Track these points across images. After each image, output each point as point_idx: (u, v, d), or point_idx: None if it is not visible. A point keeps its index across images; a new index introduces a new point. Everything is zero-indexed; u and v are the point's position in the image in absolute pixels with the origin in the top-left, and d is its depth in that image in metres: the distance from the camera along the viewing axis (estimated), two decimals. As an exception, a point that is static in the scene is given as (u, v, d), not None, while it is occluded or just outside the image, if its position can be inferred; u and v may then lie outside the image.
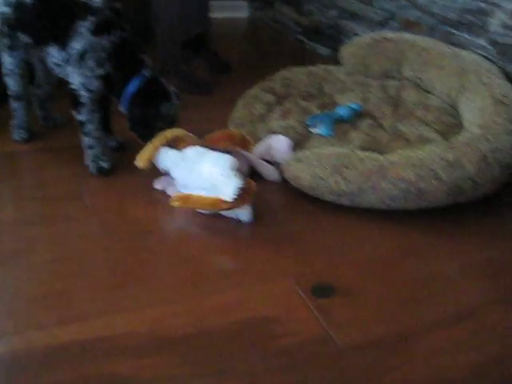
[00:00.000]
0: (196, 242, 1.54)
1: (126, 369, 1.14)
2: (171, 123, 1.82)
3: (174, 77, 2.67)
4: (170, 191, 1.73)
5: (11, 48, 1.90)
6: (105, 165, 1.84)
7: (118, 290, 1.35)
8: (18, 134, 2.06)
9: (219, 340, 1.21)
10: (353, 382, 1.13)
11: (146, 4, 2.90)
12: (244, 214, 1.60)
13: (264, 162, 1.84)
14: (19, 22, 1.84)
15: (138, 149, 1.73)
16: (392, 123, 2.02)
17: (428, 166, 1.60)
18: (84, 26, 1.73)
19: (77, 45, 1.73)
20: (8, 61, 1.93)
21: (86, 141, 1.82)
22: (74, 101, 1.79)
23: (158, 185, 1.79)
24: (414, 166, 1.61)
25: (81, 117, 1.79)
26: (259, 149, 1.86)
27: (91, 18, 1.74)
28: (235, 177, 1.54)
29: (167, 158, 1.69)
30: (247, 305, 1.32)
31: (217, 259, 1.48)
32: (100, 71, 1.74)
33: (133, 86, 1.76)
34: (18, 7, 1.82)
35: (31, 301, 1.31)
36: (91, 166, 1.84)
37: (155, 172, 1.75)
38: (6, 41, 1.89)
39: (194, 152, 1.68)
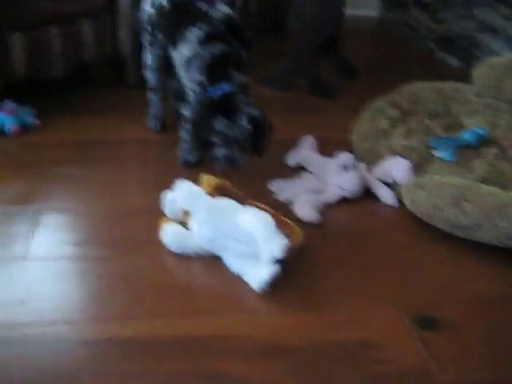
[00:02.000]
0: (309, 259, 1.61)
1: (237, 369, 1.24)
2: (242, 147, 1.80)
3: (302, 78, 2.74)
4: (282, 196, 1.82)
5: (151, 45, 2.09)
6: (190, 158, 1.99)
7: (241, 292, 1.46)
8: (151, 123, 2.24)
9: (323, 357, 1.29)
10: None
11: (283, 2, 2.98)
12: (261, 275, 1.45)
13: (382, 184, 1.87)
14: (159, 22, 2.01)
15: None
16: (519, 155, 1.98)
17: (552, 211, 1.57)
18: (194, 34, 1.85)
19: (186, 51, 1.87)
20: (148, 56, 2.10)
21: (183, 134, 1.97)
22: (182, 96, 1.96)
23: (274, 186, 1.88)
24: (537, 208, 1.58)
25: (185, 112, 1.94)
26: (379, 170, 1.90)
27: (202, 27, 1.85)
28: (280, 235, 1.47)
29: (197, 200, 1.58)
30: (353, 326, 1.38)
31: (329, 277, 1.55)
32: (200, 78, 1.85)
33: (213, 92, 1.82)
34: (159, 9, 1.99)
35: (158, 290, 1.46)
36: (180, 157, 2.00)
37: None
38: (148, 38, 2.07)
39: (229, 203, 1.58)
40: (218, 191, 1.63)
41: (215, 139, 1.78)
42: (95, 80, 2.66)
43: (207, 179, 1.65)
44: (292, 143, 2.12)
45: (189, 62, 1.87)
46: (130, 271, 1.52)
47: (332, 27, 2.84)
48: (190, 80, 1.89)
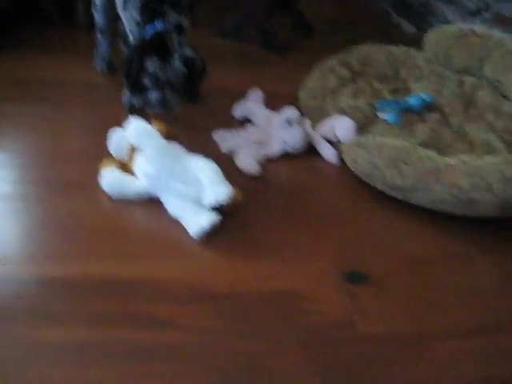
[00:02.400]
0: (247, 211, 1.61)
1: (167, 313, 1.26)
2: (175, 90, 1.78)
3: (254, 30, 2.70)
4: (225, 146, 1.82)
5: None
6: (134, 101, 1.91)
7: (177, 237, 1.46)
8: (99, 65, 2.19)
9: (253, 304, 1.31)
10: (364, 367, 1.21)
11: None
12: (201, 222, 1.46)
13: (325, 142, 1.89)
14: None
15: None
16: (460, 122, 2.02)
17: (484, 177, 1.62)
18: None
19: None
20: None
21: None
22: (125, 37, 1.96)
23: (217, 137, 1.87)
24: (470, 174, 1.63)
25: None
26: (323, 127, 1.91)
27: None
28: (227, 183, 1.51)
29: (149, 137, 1.59)
30: (284, 277, 1.41)
31: (266, 229, 1.56)
32: (136, 17, 1.82)
33: (146, 32, 1.78)
34: None
35: (92, 232, 1.44)
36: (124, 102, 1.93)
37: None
38: None
39: (179, 147, 1.62)
40: (168, 136, 1.62)
41: (147, 81, 1.73)
42: (44, 17, 2.55)
43: (158, 124, 1.65)
44: (240, 95, 2.10)
45: (126, 0, 1.82)
46: (64, 212, 1.50)
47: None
48: (127, 20, 1.84)
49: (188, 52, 1.75)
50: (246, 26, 2.70)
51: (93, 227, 1.46)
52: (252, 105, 2.00)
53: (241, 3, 2.72)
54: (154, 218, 1.52)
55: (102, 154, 1.65)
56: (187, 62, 1.74)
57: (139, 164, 1.54)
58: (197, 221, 1.45)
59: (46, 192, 1.56)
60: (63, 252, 1.37)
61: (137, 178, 1.56)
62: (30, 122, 1.86)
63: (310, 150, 1.89)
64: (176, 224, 1.49)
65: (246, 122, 2.00)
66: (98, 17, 2.10)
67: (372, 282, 1.43)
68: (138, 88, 1.76)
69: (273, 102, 2.06)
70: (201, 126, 1.94)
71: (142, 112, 1.80)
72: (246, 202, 1.59)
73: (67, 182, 1.60)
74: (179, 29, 1.79)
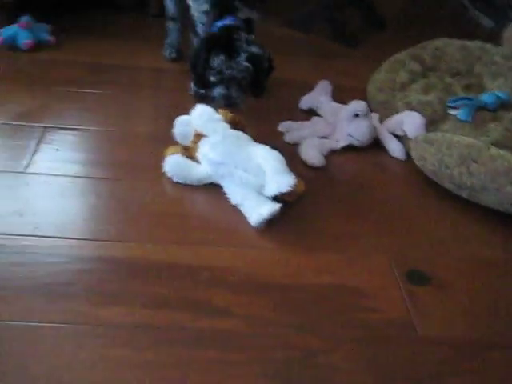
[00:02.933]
0: (309, 202, 1.60)
1: (221, 300, 1.25)
2: (240, 86, 1.77)
3: (324, 21, 2.67)
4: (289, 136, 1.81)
5: None
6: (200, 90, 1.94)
7: (236, 225, 1.47)
8: (166, 51, 2.21)
9: (309, 298, 1.30)
10: (419, 370, 1.18)
11: None
12: (261, 211, 1.45)
13: (392, 137, 1.84)
14: None
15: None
16: (537, 123, 1.93)
17: (561, 180, 1.54)
18: None
19: None
20: None
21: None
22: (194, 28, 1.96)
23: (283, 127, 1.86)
24: (546, 177, 1.55)
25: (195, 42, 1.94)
26: (391, 122, 1.86)
27: None
28: (290, 173, 1.48)
29: (214, 123, 1.59)
30: (343, 271, 1.38)
31: (327, 221, 1.54)
32: (206, 8, 1.84)
33: (214, 26, 1.79)
34: None
35: (153, 215, 1.46)
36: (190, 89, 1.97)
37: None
38: None
39: (244, 135, 1.60)
40: (234, 124, 1.62)
41: (212, 77, 1.74)
42: (116, 4, 2.60)
43: (224, 112, 1.65)
44: (308, 87, 2.08)
45: None
46: (128, 194, 1.53)
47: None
48: (197, 11, 1.85)
49: (255, 49, 1.74)
50: (316, 16, 2.67)
51: (155, 211, 1.48)
52: (319, 97, 1.97)
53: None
54: (216, 204, 1.53)
55: (168, 138, 1.67)
56: (253, 59, 1.73)
57: (203, 150, 1.55)
58: (257, 209, 1.45)
59: (113, 174, 1.59)
60: (126, 234, 1.39)
61: (200, 163, 1.57)
62: (100, 104, 1.91)
63: (377, 145, 1.85)
64: (237, 211, 1.49)
65: (312, 114, 1.97)
66: (169, 5, 2.12)
67: (434, 283, 1.38)
68: (203, 82, 1.78)
69: (341, 96, 2.02)
70: (267, 116, 1.93)
71: (208, 100, 1.81)
72: (308, 193, 1.58)
73: (133, 166, 1.63)
74: (249, 24, 1.80)
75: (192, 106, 1.70)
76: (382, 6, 3.01)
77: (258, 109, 1.93)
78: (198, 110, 1.60)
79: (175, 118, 1.68)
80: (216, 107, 1.68)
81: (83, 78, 2.04)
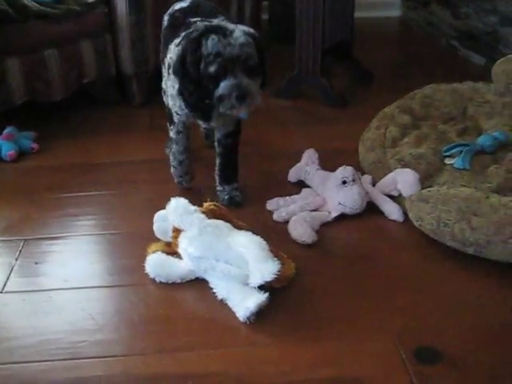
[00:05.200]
0: (301, 284, 1.49)
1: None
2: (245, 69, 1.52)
3: (310, 85, 2.63)
4: (276, 214, 1.72)
5: None
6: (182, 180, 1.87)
7: (223, 322, 1.36)
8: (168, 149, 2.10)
9: (307, 397, 1.17)
10: None
11: (289, 8, 2.88)
12: (248, 304, 1.34)
13: (387, 198, 1.74)
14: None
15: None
16: (540, 160, 1.81)
17: None
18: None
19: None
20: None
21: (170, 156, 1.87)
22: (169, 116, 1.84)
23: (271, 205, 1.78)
24: (555, 222, 1.42)
25: (170, 132, 1.83)
26: (383, 182, 1.77)
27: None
28: (274, 259, 1.37)
29: (190, 216, 1.49)
30: (344, 360, 1.25)
31: (322, 304, 1.42)
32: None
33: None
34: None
35: (135, 324, 1.37)
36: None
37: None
38: None
39: (223, 223, 1.50)
40: (212, 214, 1.54)
41: (211, 67, 1.50)
42: (98, 100, 2.61)
43: (204, 204, 1.57)
44: (295, 156, 2.01)
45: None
46: (110, 302, 1.45)
47: (341, 31, 2.71)
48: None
49: (247, 28, 1.57)
50: (302, 82, 2.63)
51: (137, 318, 1.38)
52: (306, 167, 1.89)
53: (294, 61, 2.65)
54: (202, 301, 1.43)
55: (151, 236, 1.60)
56: (251, 36, 1.54)
57: (182, 245, 1.47)
58: (244, 303, 1.35)
59: (94, 283, 1.51)
60: (105, 348, 1.30)
61: (182, 259, 1.49)
62: (85, 208, 1.85)
63: (372, 209, 1.75)
64: (224, 307, 1.39)
65: (302, 185, 1.89)
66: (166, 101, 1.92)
67: (446, 360, 1.24)
68: (201, 95, 1.55)
69: (335, 160, 1.93)
70: (255, 194, 1.85)
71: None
72: (300, 274, 1.48)
73: (116, 271, 1.55)
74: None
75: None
76: (371, 59, 2.98)
77: (246, 186, 1.86)
78: (173, 204, 1.53)
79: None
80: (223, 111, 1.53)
81: (67, 182, 2.01)
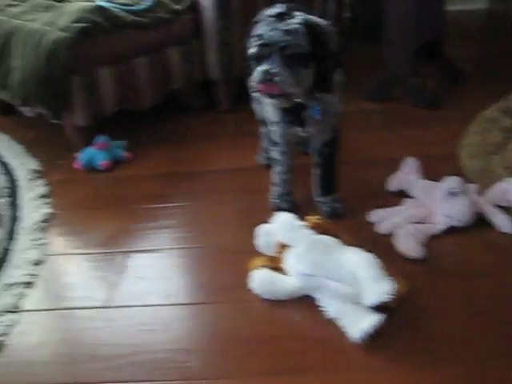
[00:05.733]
0: (414, 304, 1.42)
1: None
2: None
3: (400, 87, 2.54)
4: (381, 227, 1.65)
5: None
6: (282, 204, 1.78)
7: (335, 343, 1.31)
8: (260, 157, 2.11)
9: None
10: None
11: (377, 8, 2.78)
12: (362, 325, 1.29)
13: (496, 210, 1.64)
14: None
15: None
16: None
17: None
18: None
19: None
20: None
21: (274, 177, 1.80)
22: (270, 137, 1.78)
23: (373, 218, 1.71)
24: None
25: (273, 153, 1.78)
26: (493, 193, 1.67)
27: None
28: (389, 278, 1.32)
29: (297, 233, 1.46)
30: (467, 388, 1.18)
31: (438, 326, 1.34)
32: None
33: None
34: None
35: (244, 342, 1.34)
36: (271, 202, 1.81)
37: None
38: None
39: (332, 240, 1.45)
40: (318, 228, 1.49)
41: (251, 49, 1.47)
42: (185, 107, 2.61)
43: (309, 218, 1.53)
44: (393, 164, 1.93)
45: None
46: (213, 319, 1.42)
47: (432, 28, 2.60)
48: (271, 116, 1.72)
49: (318, 20, 1.48)
50: (391, 84, 2.54)
51: (245, 337, 1.35)
52: (408, 176, 1.81)
53: (384, 62, 2.57)
54: (309, 319, 1.39)
55: (251, 249, 1.57)
56: (311, 27, 1.44)
57: (290, 261, 1.43)
58: (357, 323, 1.29)
59: (197, 298, 1.50)
60: (212, 368, 1.28)
61: (288, 276, 1.45)
62: (179, 219, 1.84)
63: (481, 221, 1.65)
64: (333, 326, 1.34)
65: (402, 195, 1.81)
66: (256, 109, 1.95)
67: None
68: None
69: (431, 167, 1.86)
70: (353, 204, 1.79)
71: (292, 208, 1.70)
72: (411, 291, 1.40)
73: (218, 286, 1.53)
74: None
75: (272, 209, 1.61)
76: (459, 58, 2.85)
77: (346, 197, 1.80)
78: (279, 220, 1.49)
79: (256, 226, 1.59)
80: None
81: (160, 191, 2.01)
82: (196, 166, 2.17)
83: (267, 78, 1.43)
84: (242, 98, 2.56)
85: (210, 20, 2.41)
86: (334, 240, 1.44)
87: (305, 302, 1.42)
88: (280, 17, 1.45)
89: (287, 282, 1.44)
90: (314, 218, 1.50)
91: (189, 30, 2.45)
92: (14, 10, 2.40)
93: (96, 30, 2.17)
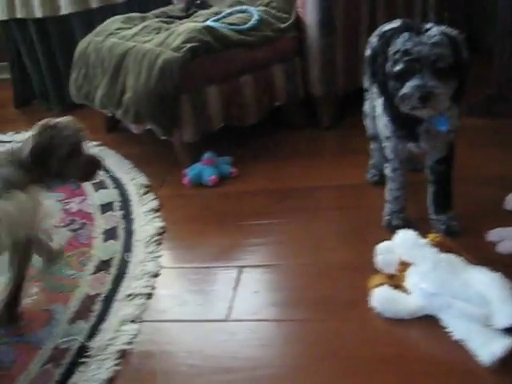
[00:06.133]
0: None
1: None
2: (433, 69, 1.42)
3: (506, 103, 2.44)
4: (502, 246, 1.59)
5: (367, 90, 1.92)
6: (395, 222, 1.75)
7: (463, 365, 1.27)
8: (370, 175, 2.08)
9: None
10: None
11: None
12: (492, 348, 1.24)
13: None
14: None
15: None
16: None
17: None
18: None
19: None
20: (366, 102, 1.95)
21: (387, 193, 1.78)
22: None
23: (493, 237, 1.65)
24: None
25: (386, 170, 1.77)
26: None
27: None
28: None
29: (422, 250, 1.44)
30: None
31: None
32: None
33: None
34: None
35: (366, 361, 1.32)
36: (384, 219, 1.78)
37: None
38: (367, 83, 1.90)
39: (458, 259, 1.42)
40: (442, 247, 1.46)
41: (396, 66, 1.45)
42: (287, 123, 2.63)
43: (431, 236, 1.51)
44: (505, 182, 1.87)
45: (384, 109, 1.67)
46: (333, 337, 1.41)
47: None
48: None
49: (449, 30, 1.46)
50: (500, 101, 2.46)
51: (368, 356, 1.34)
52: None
53: (486, 72, 2.49)
54: (435, 340, 1.35)
55: (366, 267, 1.56)
56: (449, 38, 1.43)
57: (413, 279, 1.41)
58: (487, 345, 1.25)
59: (315, 314, 1.50)
60: (337, 384, 1.27)
61: (409, 294, 1.42)
62: (289, 235, 1.86)
63: None
64: (460, 348, 1.30)
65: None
66: (368, 124, 1.96)
67: None
68: (388, 95, 1.52)
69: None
70: (469, 224, 1.73)
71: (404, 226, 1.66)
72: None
73: (335, 302, 1.52)
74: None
75: (384, 226, 1.59)
76: None
77: (462, 215, 1.74)
78: (401, 236, 1.47)
79: (368, 242, 1.58)
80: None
81: (268, 208, 2.03)
82: (300, 183, 2.18)
83: (424, 93, 1.42)
84: (343, 115, 2.57)
85: (314, 38, 2.43)
86: (459, 259, 1.41)
87: (427, 323, 1.39)
88: (413, 30, 1.44)
89: (410, 301, 1.41)
90: (436, 236, 1.47)
91: (292, 48, 2.48)
92: (125, 33, 2.52)
93: (205, 49, 2.23)
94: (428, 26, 1.46)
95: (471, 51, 2.88)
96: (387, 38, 1.49)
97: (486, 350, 1.25)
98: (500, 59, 2.40)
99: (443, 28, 1.47)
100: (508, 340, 1.24)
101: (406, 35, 1.43)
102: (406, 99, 1.46)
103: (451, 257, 1.41)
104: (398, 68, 1.45)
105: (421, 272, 1.39)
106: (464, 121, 2.47)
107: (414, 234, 1.46)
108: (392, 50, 1.46)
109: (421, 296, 1.38)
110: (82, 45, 2.67)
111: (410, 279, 1.42)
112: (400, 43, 1.44)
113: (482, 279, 1.32)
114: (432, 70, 1.42)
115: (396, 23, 1.78)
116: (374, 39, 1.80)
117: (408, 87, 1.44)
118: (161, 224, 2.01)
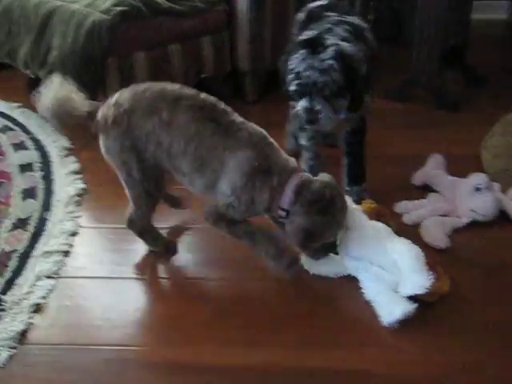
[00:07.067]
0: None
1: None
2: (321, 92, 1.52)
3: (424, 89, 2.60)
4: (407, 218, 1.72)
5: None
6: None
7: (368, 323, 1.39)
8: (288, 143, 2.13)
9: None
10: None
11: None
12: (394, 311, 1.35)
13: (517, 206, 1.71)
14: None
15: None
16: None
17: None
18: None
19: None
20: None
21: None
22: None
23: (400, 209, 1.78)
24: None
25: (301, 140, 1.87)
26: (517, 190, 1.74)
27: None
28: (428, 273, 1.36)
29: (352, 216, 1.49)
30: (488, 368, 1.25)
31: (465, 313, 1.42)
32: None
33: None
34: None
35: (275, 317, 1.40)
36: None
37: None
38: None
39: (384, 227, 1.51)
40: (373, 214, 1.56)
41: (292, 84, 1.56)
42: (213, 95, 2.66)
43: (364, 202, 1.62)
44: (415, 160, 2.00)
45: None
46: (250, 294, 1.49)
47: (458, 34, 2.66)
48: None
49: (348, 47, 1.52)
50: (413, 85, 2.60)
51: (283, 313, 1.43)
52: (433, 172, 1.88)
53: (404, 59, 2.63)
54: (349, 299, 1.47)
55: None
56: (343, 58, 1.50)
57: (342, 244, 1.50)
58: (390, 308, 1.36)
59: (229, 273, 1.56)
60: (243, 337, 1.35)
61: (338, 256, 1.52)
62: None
63: (503, 217, 1.72)
64: (369, 307, 1.41)
65: (427, 190, 1.88)
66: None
67: None
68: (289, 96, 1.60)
69: (453, 166, 1.92)
70: (380, 195, 1.84)
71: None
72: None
73: (249, 263, 1.59)
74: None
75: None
76: (480, 64, 2.91)
77: (374, 188, 1.85)
78: None
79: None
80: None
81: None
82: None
83: (311, 117, 1.54)
84: (268, 90, 2.63)
85: (243, 11, 2.47)
86: (386, 228, 1.51)
87: (349, 282, 1.50)
88: (312, 46, 1.51)
89: (337, 261, 1.51)
90: (369, 203, 1.57)
91: (222, 21, 2.51)
92: (53, -9, 2.46)
93: (135, 14, 2.23)
94: (329, 42, 1.51)
95: (393, 41, 3.03)
96: (289, 51, 1.58)
97: (388, 311, 1.35)
98: (418, 48, 2.54)
99: (342, 46, 1.52)
100: (409, 305, 1.35)
101: (302, 54, 1.52)
102: (297, 117, 1.60)
103: (378, 224, 1.51)
104: (291, 88, 1.56)
105: (348, 236, 1.48)
106: (379, 104, 2.63)
107: (349, 200, 1.55)
108: (290, 65, 1.55)
109: (347, 258, 1.48)
110: (6, 0, 2.58)
111: (340, 242, 1.50)
112: (295, 63, 1.53)
113: (400, 249, 1.42)
114: (320, 94, 1.52)
115: (324, 1, 1.86)
116: (301, 16, 1.87)
117: (299, 106, 1.56)
118: (82, 186, 2.01)
